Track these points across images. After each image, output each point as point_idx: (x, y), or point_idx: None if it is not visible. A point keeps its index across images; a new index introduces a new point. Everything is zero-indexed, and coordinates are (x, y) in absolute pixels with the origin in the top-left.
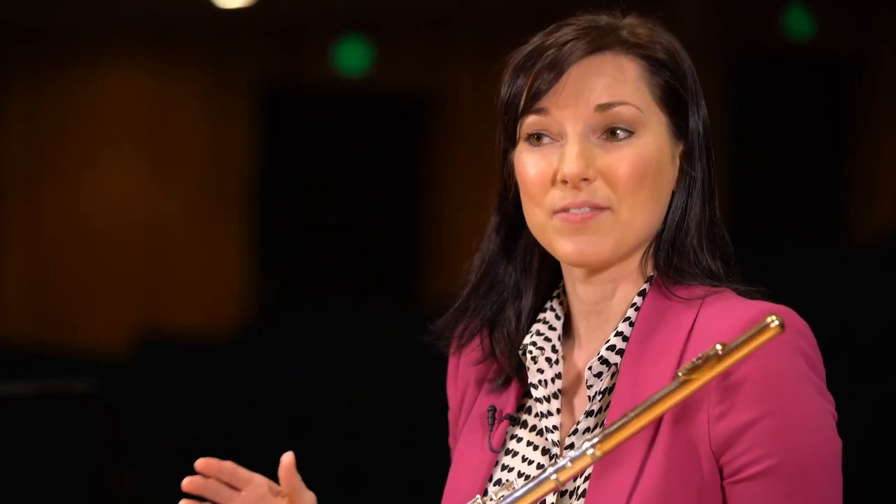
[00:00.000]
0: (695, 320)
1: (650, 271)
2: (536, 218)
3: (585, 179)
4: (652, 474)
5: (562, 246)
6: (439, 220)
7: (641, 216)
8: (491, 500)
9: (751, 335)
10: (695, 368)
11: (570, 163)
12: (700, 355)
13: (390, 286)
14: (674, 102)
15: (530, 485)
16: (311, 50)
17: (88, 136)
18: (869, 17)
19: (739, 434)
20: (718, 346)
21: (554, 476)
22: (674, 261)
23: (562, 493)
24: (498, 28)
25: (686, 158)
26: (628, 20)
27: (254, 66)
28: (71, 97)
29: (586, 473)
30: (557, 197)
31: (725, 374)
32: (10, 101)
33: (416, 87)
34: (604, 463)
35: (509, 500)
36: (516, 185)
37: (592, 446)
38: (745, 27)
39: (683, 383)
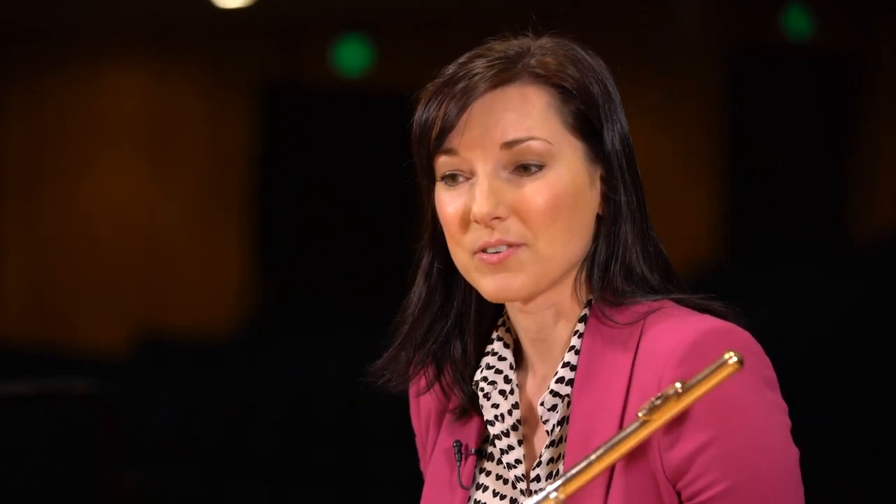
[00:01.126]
0: (638, 343)
1: (587, 295)
2: (459, 257)
3: (497, 218)
4: (618, 492)
5: (483, 285)
6: None
7: (561, 248)
8: None
9: (709, 373)
10: (654, 409)
11: (480, 203)
12: (659, 395)
13: (390, 286)
14: (587, 128)
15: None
16: (311, 50)
17: (88, 136)
18: (868, 16)
19: (690, 461)
20: (678, 385)
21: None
22: (610, 280)
23: (538, 491)
24: (498, 28)
25: (606, 182)
26: (540, 43)
27: (253, 66)
28: (70, 97)
29: (549, 472)
30: (475, 237)
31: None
32: (9, 101)
33: (416, 87)
34: (573, 462)
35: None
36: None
37: (556, 489)
38: (745, 27)
39: (643, 424)
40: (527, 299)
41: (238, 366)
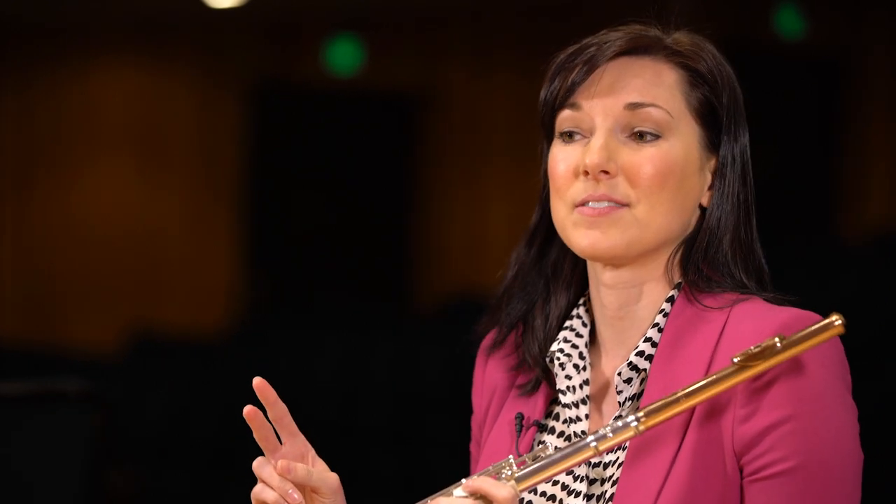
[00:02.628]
0: (724, 326)
1: (677, 278)
2: (559, 212)
3: (606, 172)
4: (680, 470)
5: (577, 238)
6: (431, 219)
7: (660, 217)
8: (525, 461)
9: (813, 331)
10: (750, 356)
11: (593, 154)
12: (758, 345)
13: (382, 284)
14: (709, 116)
15: (568, 450)
16: (303, 49)
17: (80, 136)
18: (860, 14)
19: (763, 435)
20: (777, 339)
21: (594, 444)
22: (703, 270)
23: (592, 481)
24: (489, 27)
25: (718, 175)
26: (676, 34)
27: (245, 65)
28: (62, 96)
29: (619, 462)
30: (579, 189)
31: (753, 377)
32: (2, 100)
33: (408, 86)
34: (636, 454)
35: (543, 462)
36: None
37: (637, 420)
38: (735, 24)
39: (739, 369)
40: (614, 261)
41: (231, 364)
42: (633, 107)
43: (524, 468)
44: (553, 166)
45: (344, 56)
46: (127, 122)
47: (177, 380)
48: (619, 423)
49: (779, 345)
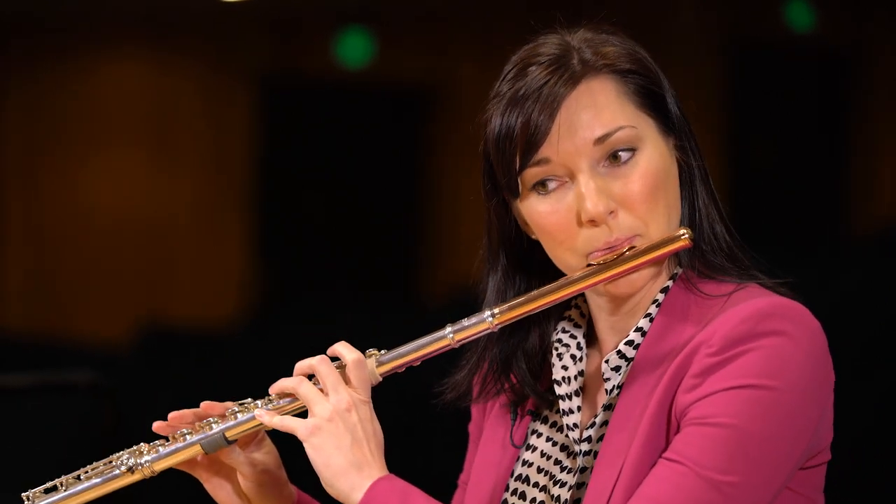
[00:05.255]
0: (714, 317)
1: (674, 268)
2: (569, 261)
3: (611, 212)
4: (640, 437)
5: (602, 286)
6: (440, 211)
7: (664, 225)
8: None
9: (659, 242)
10: (605, 264)
11: (595, 202)
12: (615, 253)
13: (391, 278)
14: (652, 103)
15: (425, 339)
16: (312, 42)
17: (88, 128)
18: (868, 9)
19: (707, 396)
20: (626, 249)
21: (451, 335)
22: (697, 251)
23: (586, 453)
24: (498, 19)
25: (680, 150)
26: (580, 36)
27: (254, 58)
28: (71, 89)
29: (599, 435)
30: (590, 239)
31: (722, 348)
32: (10, 93)
33: (417, 79)
34: (615, 426)
35: (401, 350)
36: (517, 230)
37: (492, 315)
38: (743, 19)
39: (593, 273)
40: (643, 286)
41: (239, 357)
42: (601, 139)
43: (384, 354)
44: (540, 220)
45: (353, 49)
46: (135, 115)
47: (185, 372)
48: (475, 319)
49: (627, 253)
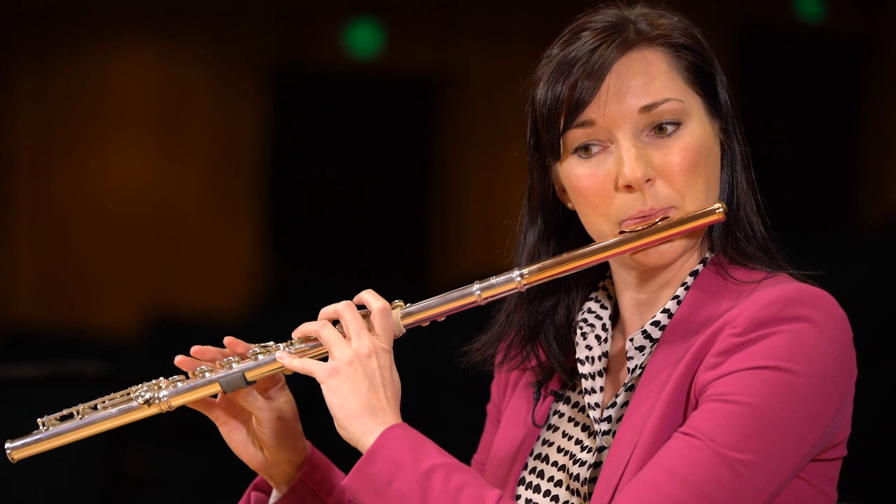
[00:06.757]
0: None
1: (705, 252)
2: (601, 227)
3: (648, 180)
4: (657, 413)
5: (633, 254)
6: (449, 200)
7: (701, 202)
8: (408, 305)
9: (694, 215)
10: (637, 232)
11: (633, 167)
12: (647, 222)
13: (401, 266)
14: (703, 81)
15: (453, 294)
16: (322, 31)
17: (98, 118)
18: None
19: (726, 375)
20: (659, 219)
21: (478, 292)
22: (731, 237)
23: (605, 433)
24: (508, 8)
25: (724, 134)
26: (638, 10)
27: (264, 48)
28: (80, 79)
29: (619, 415)
30: (625, 204)
31: (747, 329)
32: (19, 82)
33: (427, 68)
34: (634, 406)
35: (427, 302)
36: (555, 196)
37: (521, 276)
38: (752, 8)
39: (623, 241)
40: (674, 261)
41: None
42: (648, 108)
43: (410, 306)
44: (577, 183)
45: (363, 39)
46: (145, 104)
47: None
48: (503, 277)
49: (659, 223)
